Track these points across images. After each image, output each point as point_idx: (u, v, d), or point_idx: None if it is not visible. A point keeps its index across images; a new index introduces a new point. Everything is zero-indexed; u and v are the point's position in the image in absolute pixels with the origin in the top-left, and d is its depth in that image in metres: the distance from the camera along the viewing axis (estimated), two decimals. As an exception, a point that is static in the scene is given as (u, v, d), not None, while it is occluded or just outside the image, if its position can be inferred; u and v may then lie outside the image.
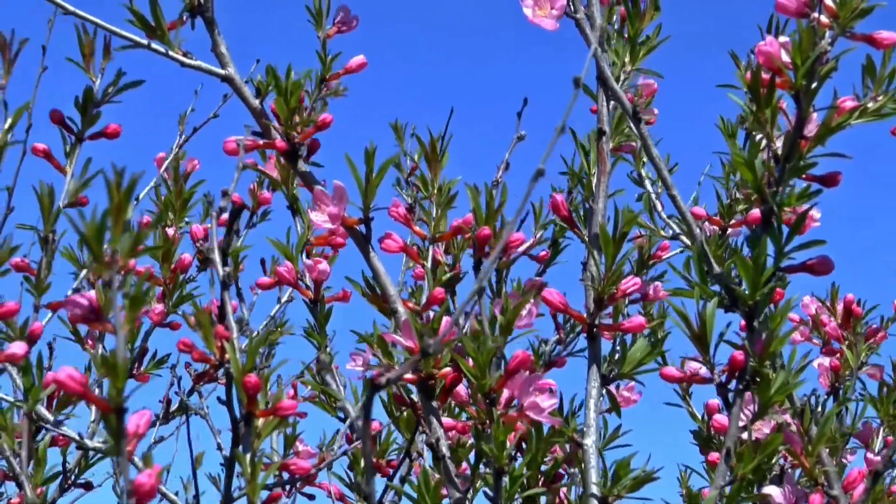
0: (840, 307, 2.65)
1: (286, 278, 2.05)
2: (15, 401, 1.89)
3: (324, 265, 2.03)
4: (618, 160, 1.95)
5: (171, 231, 2.25)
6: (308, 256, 2.07)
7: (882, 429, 2.37)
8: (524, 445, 1.75)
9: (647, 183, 2.49)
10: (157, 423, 2.72)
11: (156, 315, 2.25)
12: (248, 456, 1.29)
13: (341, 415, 2.15)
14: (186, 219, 2.34)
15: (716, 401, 2.09)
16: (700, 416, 2.21)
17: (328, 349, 2.05)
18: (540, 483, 1.72)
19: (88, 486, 2.47)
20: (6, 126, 1.55)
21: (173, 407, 2.68)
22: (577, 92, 0.98)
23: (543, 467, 1.73)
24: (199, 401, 2.66)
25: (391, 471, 2.17)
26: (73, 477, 2.38)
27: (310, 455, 2.37)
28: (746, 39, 1.77)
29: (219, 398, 2.08)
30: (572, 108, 0.99)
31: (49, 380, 1.53)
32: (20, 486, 1.76)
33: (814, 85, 1.55)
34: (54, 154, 1.98)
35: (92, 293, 1.16)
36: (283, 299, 3.00)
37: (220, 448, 2.69)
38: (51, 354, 2.32)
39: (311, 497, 2.57)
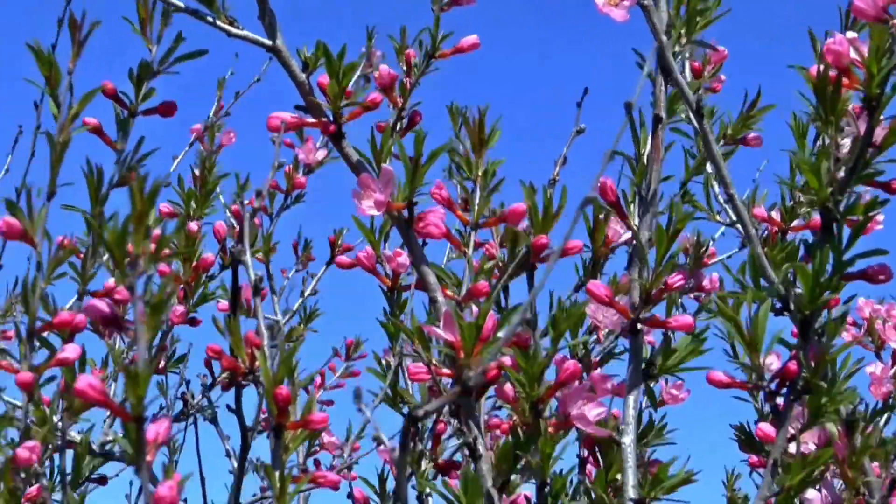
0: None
1: (365, 264, 2.00)
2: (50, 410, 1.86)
3: (403, 258, 1.97)
4: (673, 143, 1.88)
5: (193, 225, 2.20)
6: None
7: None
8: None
9: (707, 164, 2.38)
10: (186, 423, 2.69)
11: (176, 317, 2.21)
12: (278, 472, 1.25)
13: (405, 411, 2.09)
14: (209, 209, 2.29)
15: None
16: (766, 414, 2.13)
17: (399, 342, 1.98)
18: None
19: (103, 481, 2.45)
20: (73, 112, 1.50)
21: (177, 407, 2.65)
22: (627, 119, 0.93)
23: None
24: (207, 404, 2.62)
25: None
26: (87, 472, 2.36)
27: (334, 446, 2.35)
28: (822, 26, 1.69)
29: (228, 405, 2.05)
30: (622, 135, 0.93)
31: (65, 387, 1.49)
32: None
33: (888, 93, 1.50)
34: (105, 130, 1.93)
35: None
36: (307, 292, 2.96)
37: (228, 454, 2.66)
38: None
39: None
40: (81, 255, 1.69)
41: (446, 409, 1.87)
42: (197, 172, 2.31)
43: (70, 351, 1.49)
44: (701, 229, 2.17)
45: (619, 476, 1.70)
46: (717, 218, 2.39)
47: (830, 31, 1.56)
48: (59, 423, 1.57)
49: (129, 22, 1.79)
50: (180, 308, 2.17)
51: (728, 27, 1.87)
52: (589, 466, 1.85)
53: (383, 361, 2.02)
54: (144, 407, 1.00)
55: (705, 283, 2.03)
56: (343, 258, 2.13)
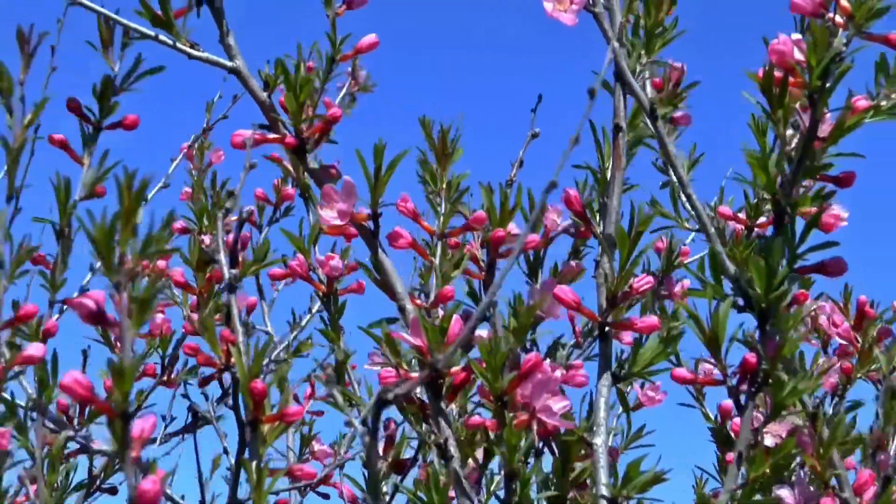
0: (853, 308, 2.62)
1: (297, 272, 2.03)
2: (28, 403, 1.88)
3: (336, 261, 2.01)
4: (636, 151, 1.92)
5: (206, 239, 2.22)
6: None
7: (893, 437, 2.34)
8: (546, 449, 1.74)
9: (672, 171, 2.41)
10: (189, 433, 2.70)
11: (190, 325, 2.22)
12: (255, 463, 1.27)
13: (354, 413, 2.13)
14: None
15: (730, 402, 2.07)
16: (713, 417, 2.18)
17: (342, 345, 2.03)
18: (569, 487, 1.70)
19: (113, 491, 2.46)
20: (25, 122, 1.53)
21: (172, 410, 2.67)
22: (591, 102, 0.96)
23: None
24: (206, 404, 2.64)
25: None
26: (98, 482, 2.37)
27: (326, 455, 2.37)
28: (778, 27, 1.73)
29: (225, 402, 2.07)
30: (586, 119, 0.97)
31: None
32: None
33: (828, 85, 1.53)
34: (71, 145, 1.96)
35: (97, 293, 1.14)
36: (314, 309, 2.97)
37: (226, 452, 2.67)
38: (84, 361, 2.32)
39: (325, 496, 2.56)
40: (51, 266, 1.73)
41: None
42: (209, 189, 2.34)
43: (35, 349, 1.52)
44: (677, 238, 2.22)
45: (577, 472, 1.73)
46: (686, 225, 2.42)
47: (766, 36, 1.60)
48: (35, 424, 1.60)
49: (92, 45, 1.83)
50: (194, 316, 2.19)
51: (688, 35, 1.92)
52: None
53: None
54: (130, 403, 1.02)
55: (676, 288, 2.07)
56: (276, 269, 2.16)
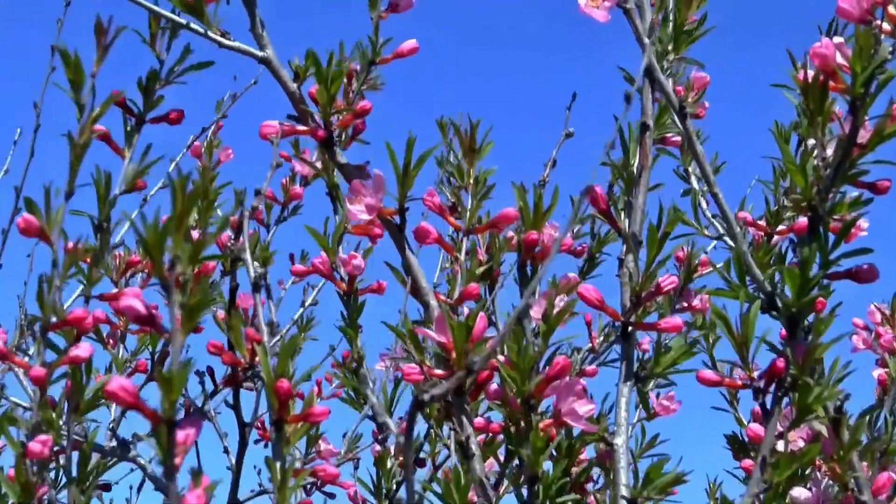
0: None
1: (321, 270, 2.02)
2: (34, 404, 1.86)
3: (358, 260, 1.99)
4: (660, 154, 1.91)
5: (196, 233, 2.20)
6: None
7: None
8: (554, 452, 1.72)
9: (693, 179, 2.41)
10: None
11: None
12: (279, 463, 1.26)
13: (369, 412, 2.12)
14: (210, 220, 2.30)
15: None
16: (746, 422, 2.17)
17: (360, 344, 2.02)
18: (569, 489, 1.69)
19: (106, 488, 2.45)
20: (94, 114, 1.51)
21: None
22: (628, 107, 0.95)
23: (573, 471, 1.70)
24: (206, 403, 2.63)
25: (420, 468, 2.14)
26: (92, 478, 2.36)
27: (332, 454, 2.36)
28: (807, 36, 1.72)
29: (226, 401, 2.06)
30: (624, 121, 0.95)
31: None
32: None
33: (871, 93, 1.52)
34: (113, 137, 1.94)
35: (135, 290, 1.12)
36: (308, 302, 2.96)
37: (226, 451, 2.67)
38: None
39: (331, 496, 2.55)
40: (88, 260, 1.70)
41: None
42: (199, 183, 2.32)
43: (82, 349, 1.50)
44: (694, 247, 2.21)
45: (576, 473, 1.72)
46: (706, 232, 2.41)
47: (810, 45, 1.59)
48: (66, 424, 1.58)
49: (140, 34, 1.81)
50: None
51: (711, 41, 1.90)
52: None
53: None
54: (177, 410, 1.01)
55: (695, 301, 2.06)
56: (299, 266, 2.15)
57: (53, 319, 1.50)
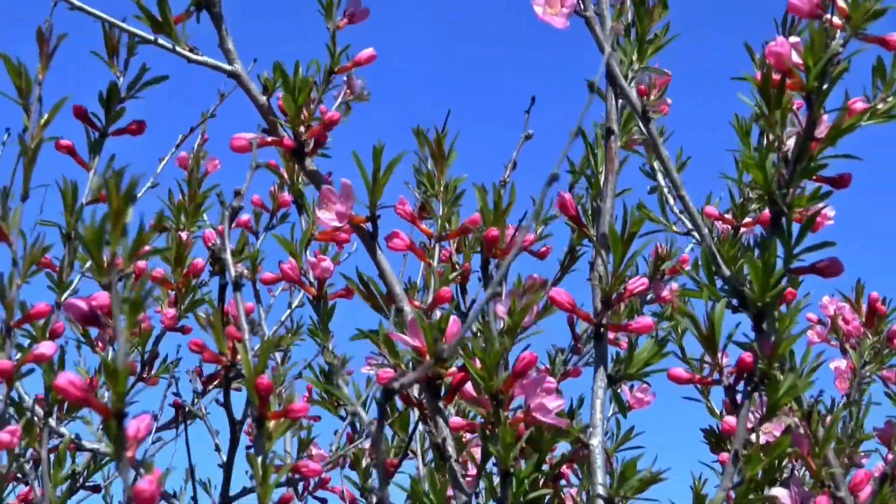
0: (864, 305, 2.62)
1: (289, 275, 2.04)
2: (32, 402, 1.89)
3: (327, 262, 2.02)
4: (628, 157, 1.93)
5: (184, 235, 2.24)
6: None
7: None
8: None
9: (660, 176, 2.43)
10: (172, 428, 2.71)
11: (168, 319, 2.24)
12: (260, 458, 1.28)
13: (342, 413, 2.15)
14: (199, 223, 2.33)
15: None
16: (720, 412, 2.18)
17: (331, 348, 2.05)
18: (541, 484, 1.70)
19: (97, 489, 2.48)
20: (42, 122, 1.54)
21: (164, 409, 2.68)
22: (592, 96, 0.97)
23: (545, 466, 1.71)
24: (195, 401, 2.65)
25: (392, 469, 2.16)
26: (81, 479, 2.39)
27: (322, 458, 2.38)
28: (767, 26, 1.74)
29: (216, 400, 2.07)
30: (586, 112, 0.98)
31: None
32: (30, 485, 1.75)
33: (825, 87, 1.54)
34: (77, 150, 1.97)
35: (101, 296, 1.15)
36: (294, 304, 2.99)
37: (217, 449, 2.68)
38: (62, 357, 2.32)
39: (323, 501, 2.57)
40: (57, 268, 1.74)
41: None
42: (185, 188, 2.36)
43: (46, 347, 1.53)
44: (673, 245, 2.23)
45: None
46: (674, 228, 2.43)
47: (769, 38, 1.61)
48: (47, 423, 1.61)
49: (98, 55, 1.84)
50: (171, 311, 2.20)
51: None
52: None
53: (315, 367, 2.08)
54: (125, 403, 1.03)
55: (665, 293, 2.08)
56: (267, 274, 2.17)
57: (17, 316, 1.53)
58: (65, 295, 1.76)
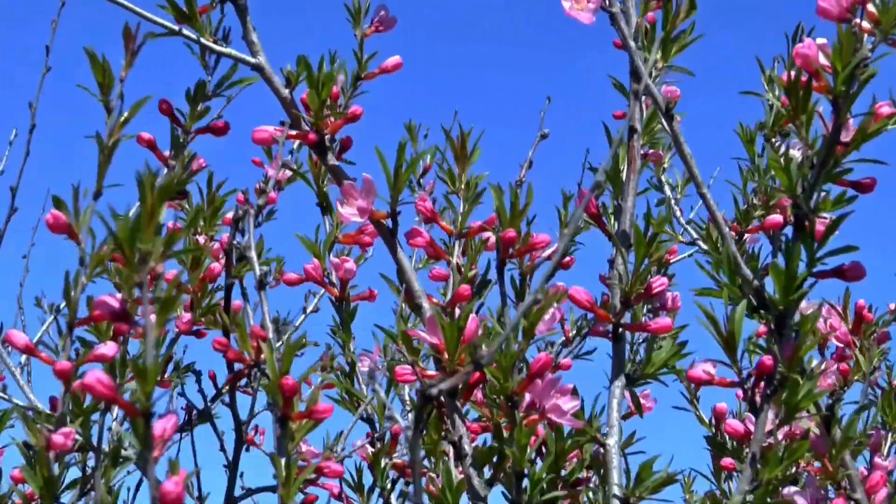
0: (850, 313, 2.62)
1: (313, 276, 2.05)
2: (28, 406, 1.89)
3: (350, 264, 2.02)
4: (645, 164, 1.93)
5: (201, 239, 2.23)
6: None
7: (891, 434, 2.35)
8: (545, 449, 1.73)
9: (667, 188, 2.45)
10: (191, 431, 2.71)
11: (183, 324, 2.23)
12: (284, 459, 1.28)
13: (363, 414, 2.14)
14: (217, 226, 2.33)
15: (724, 405, 2.09)
16: (707, 421, 2.19)
17: (352, 349, 2.05)
18: (560, 487, 1.70)
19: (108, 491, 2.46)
20: (122, 119, 1.53)
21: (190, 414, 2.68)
22: (635, 102, 0.96)
23: (563, 472, 1.71)
24: (212, 405, 2.64)
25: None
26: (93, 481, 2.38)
27: (313, 455, 2.37)
28: (771, 33, 1.74)
29: (222, 401, 2.06)
30: (632, 115, 0.97)
31: (76, 383, 1.50)
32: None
33: (853, 91, 1.53)
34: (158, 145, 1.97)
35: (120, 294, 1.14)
36: (309, 309, 2.97)
37: (223, 449, 2.68)
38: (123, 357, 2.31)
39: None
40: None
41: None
42: (204, 191, 2.35)
43: (108, 348, 1.52)
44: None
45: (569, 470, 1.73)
46: (680, 238, 2.44)
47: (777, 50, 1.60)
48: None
49: (190, 48, 1.85)
50: (187, 315, 2.19)
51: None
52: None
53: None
54: (152, 402, 1.03)
55: (667, 301, 2.07)
56: (291, 275, 2.17)
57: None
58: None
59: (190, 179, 1.76)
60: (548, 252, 1.94)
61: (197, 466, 2.14)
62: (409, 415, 2.06)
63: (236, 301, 2.08)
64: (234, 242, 1.84)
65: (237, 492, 2.05)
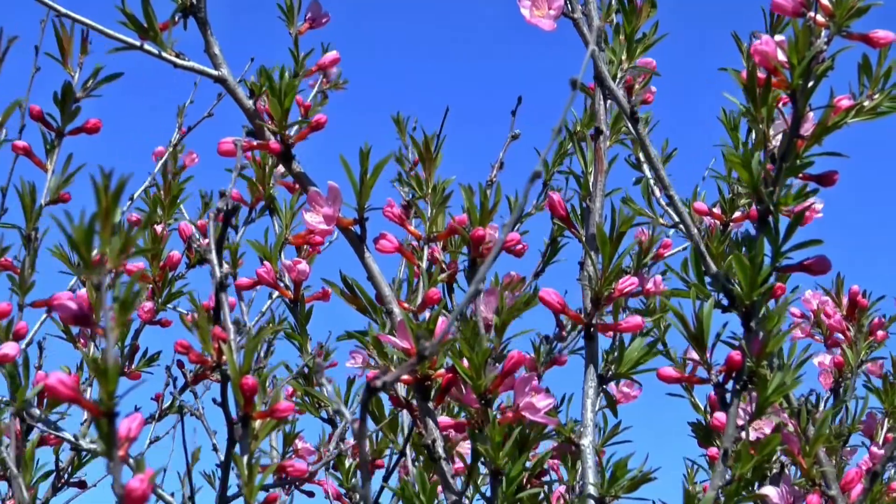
0: (845, 299, 2.62)
1: (265, 279, 2.05)
2: (2, 400, 1.89)
3: (303, 265, 2.03)
4: (616, 157, 1.93)
5: (159, 228, 2.24)
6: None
7: (887, 420, 2.35)
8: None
9: (646, 167, 2.41)
10: (153, 423, 2.72)
11: (145, 313, 2.24)
12: (245, 458, 1.28)
13: (324, 415, 2.16)
14: (175, 215, 2.34)
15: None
16: (703, 408, 2.19)
17: (310, 350, 2.05)
18: (524, 480, 1.70)
19: (82, 485, 2.47)
20: None
21: (165, 405, 2.69)
22: (574, 94, 0.97)
23: (528, 464, 1.71)
24: (193, 400, 2.65)
25: (377, 469, 2.16)
26: (66, 476, 2.38)
27: (309, 452, 2.38)
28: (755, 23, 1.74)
29: (214, 399, 2.06)
30: (569, 109, 0.98)
31: (39, 382, 1.52)
32: (10, 485, 1.75)
33: (810, 84, 1.54)
34: (35, 151, 1.98)
35: (82, 293, 1.15)
36: (275, 294, 2.99)
37: (215, 448, 2.68)
38: (41, 353, 2.32)
39: (310, 494, 2.56)
40: (18, 271, 1.74)
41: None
42: (161, 182, 2.37)
43: (10, 348, 1.53)
44: (655, 230, 2.23)
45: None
46: (661, 221, 2.42)
47: (756, 32, 1.62)
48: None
49: (52, 56, 1.86)
50: (149, 304, 2.21)
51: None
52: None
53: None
54: (115, 402, 1.03)
55: (649, 285, 2.08)
56: (243, 279, 2.17)
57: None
58: (27, 297, 1.76)
59: (70, 181, 1.77)
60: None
61: (188, 467, 2.14)
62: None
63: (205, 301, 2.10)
64: (195, 245, 1.85)
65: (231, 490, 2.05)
